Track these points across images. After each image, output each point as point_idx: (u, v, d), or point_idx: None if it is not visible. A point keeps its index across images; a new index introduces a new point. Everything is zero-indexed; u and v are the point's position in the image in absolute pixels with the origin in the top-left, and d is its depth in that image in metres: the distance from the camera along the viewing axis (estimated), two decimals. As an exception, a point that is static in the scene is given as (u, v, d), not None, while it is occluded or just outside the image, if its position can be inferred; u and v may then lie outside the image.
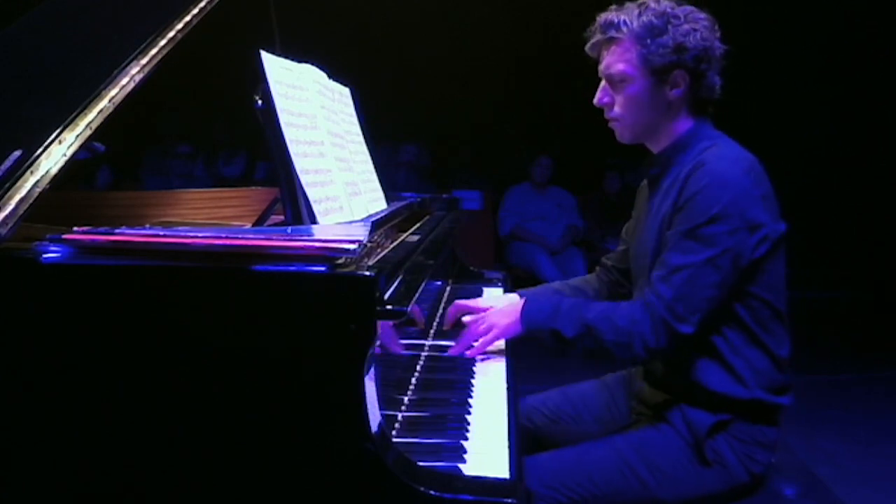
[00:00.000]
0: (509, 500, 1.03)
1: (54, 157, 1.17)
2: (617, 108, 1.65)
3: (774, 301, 1.60)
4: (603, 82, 1.67)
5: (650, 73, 1.59)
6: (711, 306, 1.52)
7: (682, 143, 1.65)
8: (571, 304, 1.63)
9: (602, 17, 1.63)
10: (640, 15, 1.58)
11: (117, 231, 1.11)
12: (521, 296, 1.89)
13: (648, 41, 1.57)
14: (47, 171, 1.15)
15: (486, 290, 2.40)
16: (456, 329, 1.83)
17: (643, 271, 1.68)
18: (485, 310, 1.78)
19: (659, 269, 1.55)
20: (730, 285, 1.53)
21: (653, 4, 1.59)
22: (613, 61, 1.62)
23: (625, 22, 1.58)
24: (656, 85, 1.60)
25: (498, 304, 1.81)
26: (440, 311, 2.09)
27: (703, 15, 1.60)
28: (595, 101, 1.68)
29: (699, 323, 1.51)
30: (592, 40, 1.66)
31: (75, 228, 1.11)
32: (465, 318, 1.79)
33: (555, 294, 1.94)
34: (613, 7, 1.63)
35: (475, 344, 1.70)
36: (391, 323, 1.27)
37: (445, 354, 1.69)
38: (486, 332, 1.69)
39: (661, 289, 1.52)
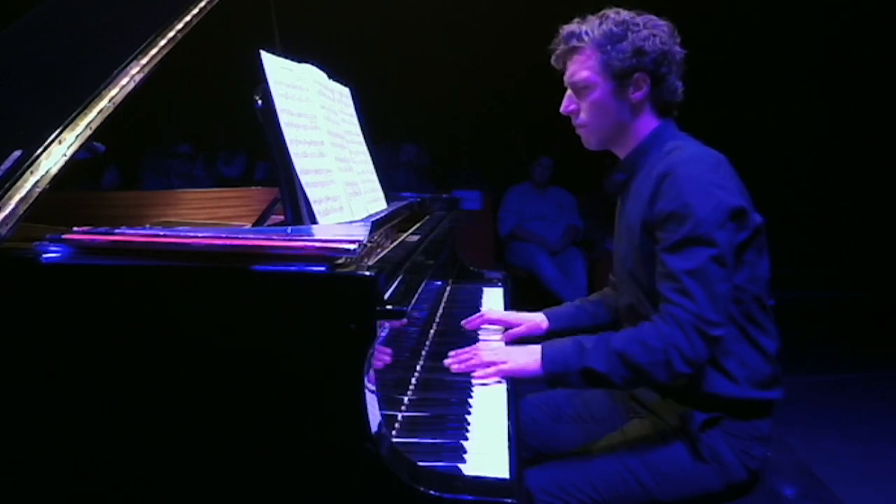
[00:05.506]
0: (509, 500, 1.04)
1: (54, 157, 1.17)
2: (583, 115, 1.70)
3: (761, 294, 1.62)
4: (568, 91, 1.71)
5: (612, 78, 1.64)
6: (727, 302, 1.52)
7: (646, 145, 1.69)
8: (595, 338, 1.56)
9: (564, 29, 1.69)
10: (600, 24, 1.64)
11: (117, 231, 1.11)
12: (546, 316, 1.95)
13: (609, 47, 1.62)
14: (47, 171, 1.15)
15: (486, 291, 2.40)
16: (459, 331, 1.84)
17: (622, 276, 1.73)
18: (516, 324, 1.89)
19: (667, 281, 1.52)
20: (732, 278, 1.54)
21: (612, 15, 1.65)
22: (577, 69, 1.67)
23: (586, 32, 1.65)
24: (619, 88, 1.65)
25: (526, 319, 1.89)
26: (440, 310, 2.09)
27: (662, 22, 1.66)
28: (561, 109, 1.73)
29: (724, 322, 1.51)
30: (556, 52, 1.71)
31: (75, 228, 1.11)
32: (483, 336, 1.81)
33: (578, 309, 1.99)
34: (576, 20, 1.69)
35: (484, 371, 1.59)
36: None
37: (445, 362, 1.62)
38: (499, 363, 1.59)
39: (681, 300, 1.49)
